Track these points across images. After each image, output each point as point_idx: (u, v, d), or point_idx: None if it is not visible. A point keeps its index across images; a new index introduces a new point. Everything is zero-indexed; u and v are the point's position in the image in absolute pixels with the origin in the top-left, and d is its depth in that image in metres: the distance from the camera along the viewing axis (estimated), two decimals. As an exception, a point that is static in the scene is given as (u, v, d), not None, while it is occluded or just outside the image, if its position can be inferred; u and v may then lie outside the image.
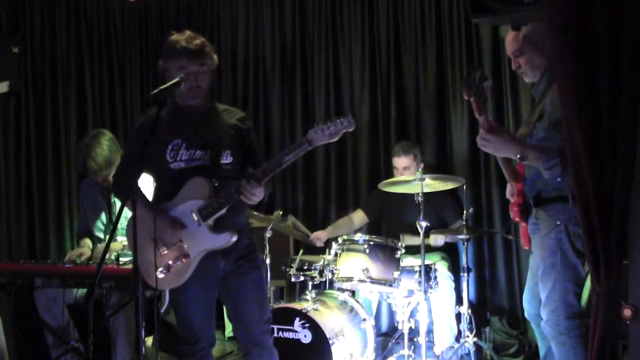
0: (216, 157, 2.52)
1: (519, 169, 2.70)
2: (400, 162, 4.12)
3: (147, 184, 2.72)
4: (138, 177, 2.54)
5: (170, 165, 2.52)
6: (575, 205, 2.41)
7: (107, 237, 3.49)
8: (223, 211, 2.45)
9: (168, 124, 2.56)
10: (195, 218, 2.46)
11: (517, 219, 2.77)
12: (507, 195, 2.88)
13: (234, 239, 2.49)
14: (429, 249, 3.96)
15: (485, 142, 2.47)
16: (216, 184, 2.47)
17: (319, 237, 4.12)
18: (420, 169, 3.55)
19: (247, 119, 2.70)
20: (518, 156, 2.45)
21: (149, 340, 3.45)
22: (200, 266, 2.51)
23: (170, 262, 2.48)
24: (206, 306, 2.60)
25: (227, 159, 2.54)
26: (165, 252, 2.49)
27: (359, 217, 4.37)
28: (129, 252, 3.45)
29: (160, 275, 2.47)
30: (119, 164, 2.82)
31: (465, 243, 3.69)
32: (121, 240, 3.50)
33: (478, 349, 3.68)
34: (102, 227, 3.63)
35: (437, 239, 3.99)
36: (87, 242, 3.61)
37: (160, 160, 2.53)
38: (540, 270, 2.58)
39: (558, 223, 2.49)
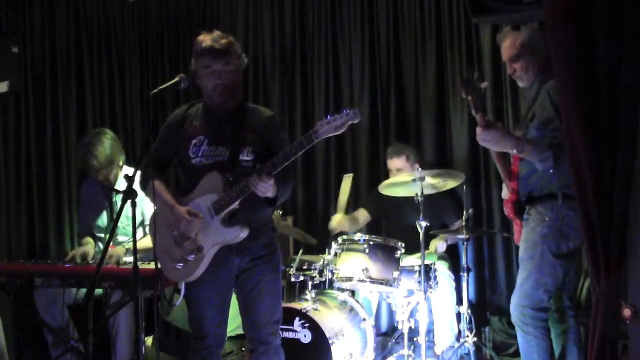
0: (236, 153, 2.55)
1: (514, 168, 2.78)
2: (394, 164, 4.13)
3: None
4: (153, 174, 2.60)
5: (192, 161, 2.58)
6: (565, 203, 2.52)
7: (108, 236, 3.49)
8: (236, 205, 2.46)
9: (194, 121, 2.64)
10: (209, 212, 2.50)
11: (511, 216, 2.86)
12: (503, 195, 2.96)
13: (244, 234, 2.49)
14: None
15: (486, 137, 2.57)
16: (231, 179, 2.49)
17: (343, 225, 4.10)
18: (418, 169, 3.54)
19: (274, 118, 2.72)
20: (515, 150, 2.55)
21: (149, 340, 3.45)
22: (216, 264, 2.53)
23: (186, 256, 2.52)
24: (218, 305, 2.61)
25: (247, 156, 2.56)
26: (182, 245, 2.53)
27: (363, 215, 4.36)
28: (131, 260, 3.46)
29: (178, 267, 2.52)
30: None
31: (465, 243, 3.69)
32: (122, 241, 3.51)
33: (478, 349, 3.68)
34: (103, 227, 3.63)
35: (439, 247, 3.99)
36: (90, 240, 3.62)
37: (184, 156, 2.61)
38: (521, 260, 2.69)
39: (547, 219, 2.60)
